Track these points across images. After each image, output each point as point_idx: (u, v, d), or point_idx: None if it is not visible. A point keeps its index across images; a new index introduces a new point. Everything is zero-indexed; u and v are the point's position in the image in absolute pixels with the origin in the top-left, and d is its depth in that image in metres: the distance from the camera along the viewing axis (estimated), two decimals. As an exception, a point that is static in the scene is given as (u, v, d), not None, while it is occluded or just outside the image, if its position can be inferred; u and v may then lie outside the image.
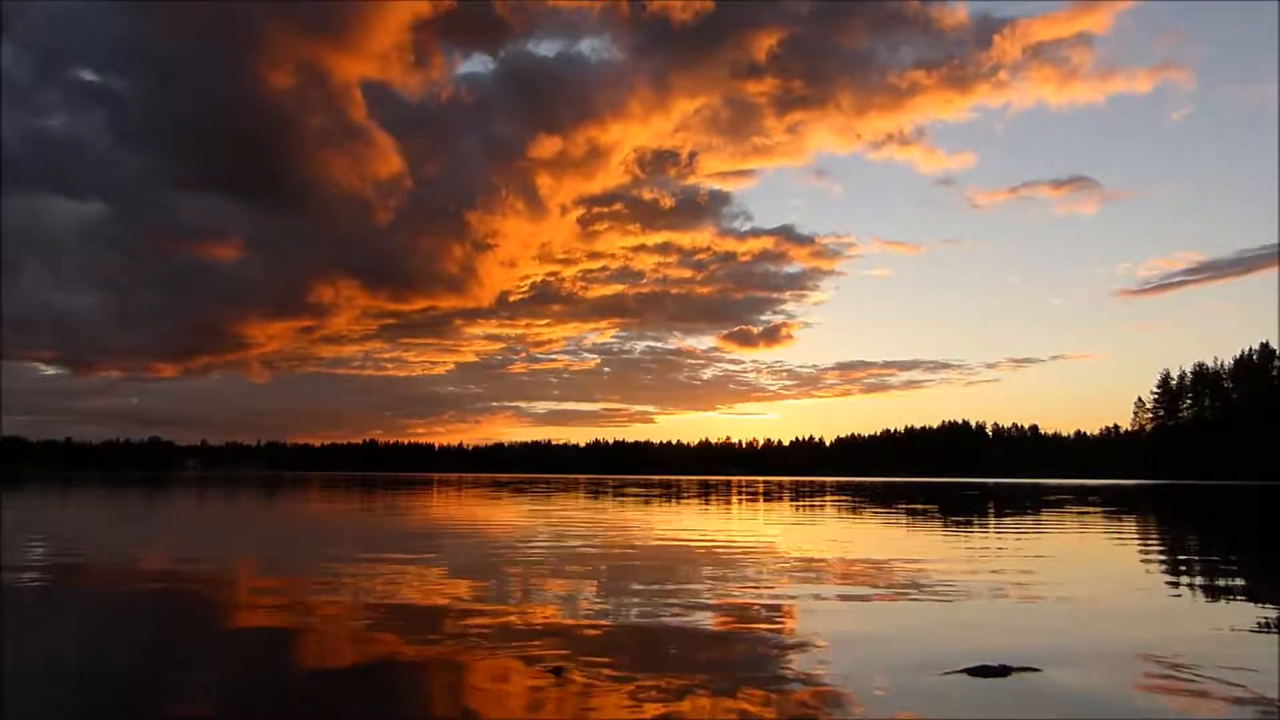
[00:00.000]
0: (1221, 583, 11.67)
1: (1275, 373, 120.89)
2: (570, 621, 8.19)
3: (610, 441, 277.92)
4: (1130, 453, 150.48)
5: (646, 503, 37.76)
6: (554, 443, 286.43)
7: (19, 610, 8.88)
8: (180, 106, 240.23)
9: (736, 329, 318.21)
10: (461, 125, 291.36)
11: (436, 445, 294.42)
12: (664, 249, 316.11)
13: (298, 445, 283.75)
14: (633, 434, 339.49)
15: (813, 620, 8.39)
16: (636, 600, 9.57)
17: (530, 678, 6.04)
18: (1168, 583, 11.67)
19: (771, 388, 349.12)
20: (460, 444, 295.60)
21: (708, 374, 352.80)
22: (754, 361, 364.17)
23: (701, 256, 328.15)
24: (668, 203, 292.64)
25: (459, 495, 47.68)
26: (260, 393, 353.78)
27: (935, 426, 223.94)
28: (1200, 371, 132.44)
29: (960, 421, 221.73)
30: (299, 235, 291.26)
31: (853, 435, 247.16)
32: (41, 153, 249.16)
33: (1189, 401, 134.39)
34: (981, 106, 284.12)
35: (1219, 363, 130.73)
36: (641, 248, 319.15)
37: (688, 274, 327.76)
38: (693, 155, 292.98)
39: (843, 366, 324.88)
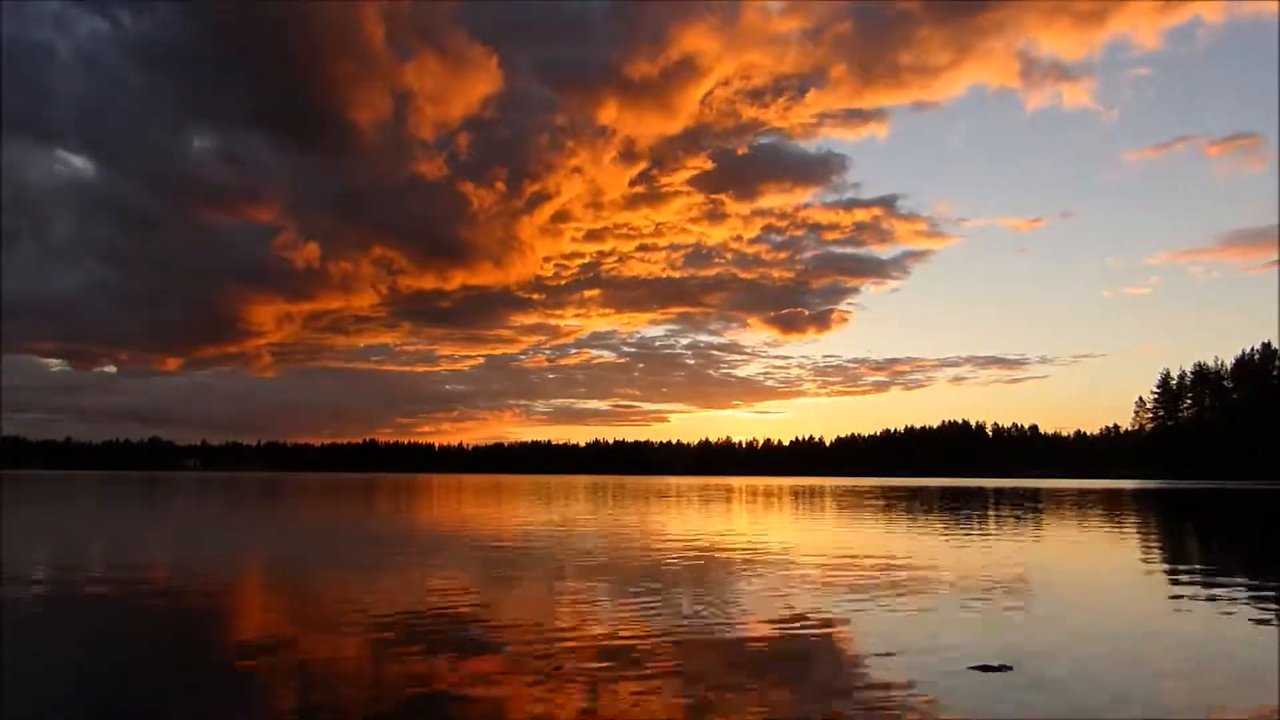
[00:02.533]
0: (1221, 585, 11.74)
1: (1275, 373, 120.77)
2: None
3: (610, 441, 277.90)
4: (1130, 452, 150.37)
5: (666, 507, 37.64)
6: (554, 443, 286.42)
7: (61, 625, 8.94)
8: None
9: (787, 311, 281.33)
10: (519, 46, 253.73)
11: (437, 445, 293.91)
12: (746, 218, 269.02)
13: (298, 445, 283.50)
14: (643, 434, 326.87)
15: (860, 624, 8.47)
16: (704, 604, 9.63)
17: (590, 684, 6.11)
18: (1169, 585, 11.73)
19: (807, 385, 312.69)
20: (460, 444, 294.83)
21: (744, 371, 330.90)
22: (803, 358, 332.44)
23: (793, 231, 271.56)
24: (755, 155, 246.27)
25: (495, 500, 47.40)
26: (264, 390, 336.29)
27: (935, 426, 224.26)
28: (1200, 371, 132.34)
29: (960, 421, 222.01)
30: (330, 187, 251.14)
31: (852, 436, 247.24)
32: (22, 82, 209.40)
33: (1189, 401, 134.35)
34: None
35: (1219, 363, 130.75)
36: (714, 214, 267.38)
37: (765, 252, 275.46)
38: (804, 85, 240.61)
39: (890, 362, 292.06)
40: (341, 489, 58.08)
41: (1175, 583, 11.75)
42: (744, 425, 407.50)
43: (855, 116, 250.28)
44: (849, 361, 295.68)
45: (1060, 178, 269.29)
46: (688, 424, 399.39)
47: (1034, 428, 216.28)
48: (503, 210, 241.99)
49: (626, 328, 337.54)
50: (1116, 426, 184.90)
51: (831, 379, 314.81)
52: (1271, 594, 10.78)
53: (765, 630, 7.93)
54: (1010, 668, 6.39)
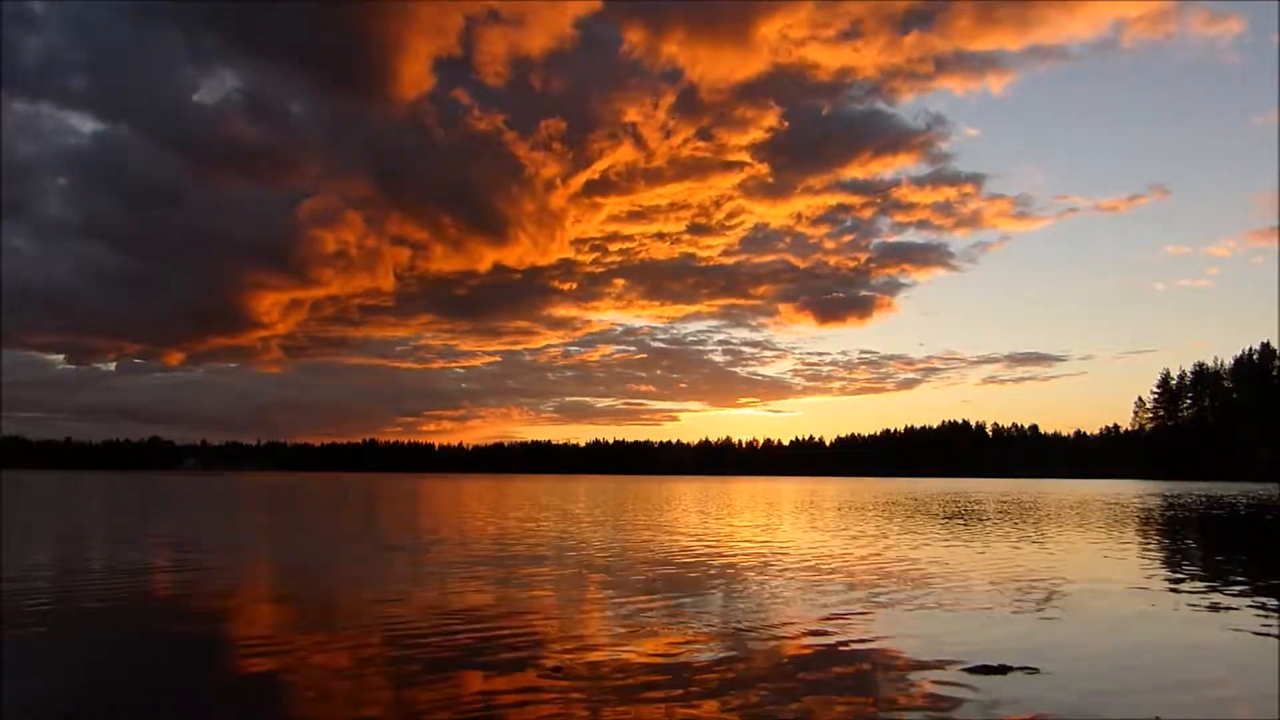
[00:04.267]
0: (1221, 586, 11.74)
1: (1275, 373, 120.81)
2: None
3: (610, 441, 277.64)
4: (1129, 452, 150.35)
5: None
6: (554, 443, 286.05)
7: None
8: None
9: (828, 298, 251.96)
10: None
11: (436, 445, 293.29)
12: (816, 193, 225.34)
13: (298, 445, 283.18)
14: (653, 433, 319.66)
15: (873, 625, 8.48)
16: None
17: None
18: (1169, 587, 11.75)
19: (837, 382, 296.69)
20: (460, 444, 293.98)
21: (772, 369, 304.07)
22: (840, 353, 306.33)
23: (862, 211, 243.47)
24: (837, 115, 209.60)
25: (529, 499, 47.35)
26: (267, 388, 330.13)
27: (935, 426, 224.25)
28: (1200, 371, 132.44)
29: (960, 421, 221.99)
30: (369, 144, 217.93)
31: (852, 435, 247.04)
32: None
33: (1189, 401, 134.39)
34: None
35: (1219, 363, 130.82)
36: (778, 187, 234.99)
37: (826, 236, 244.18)
38: (906, 25, 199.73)
39: (929, 358, 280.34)
40: (303, 496, 57.99)
41: (1199, 590, 11.75)
42: (757, 424, 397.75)
43: (961, 64, 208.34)
44: (885, 357, 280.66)
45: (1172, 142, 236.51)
46: (697, 423, 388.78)
47: (1034, 427, 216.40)
48: (551, 176, 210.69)
49: (659, 321, 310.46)
50: (1116, 426, 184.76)
51: (860, 376, 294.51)
52: (1270, 599, 10.77)
53: (806, 638, 7.94)
54: (1008, 668, 6.41)
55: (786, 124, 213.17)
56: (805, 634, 7.77)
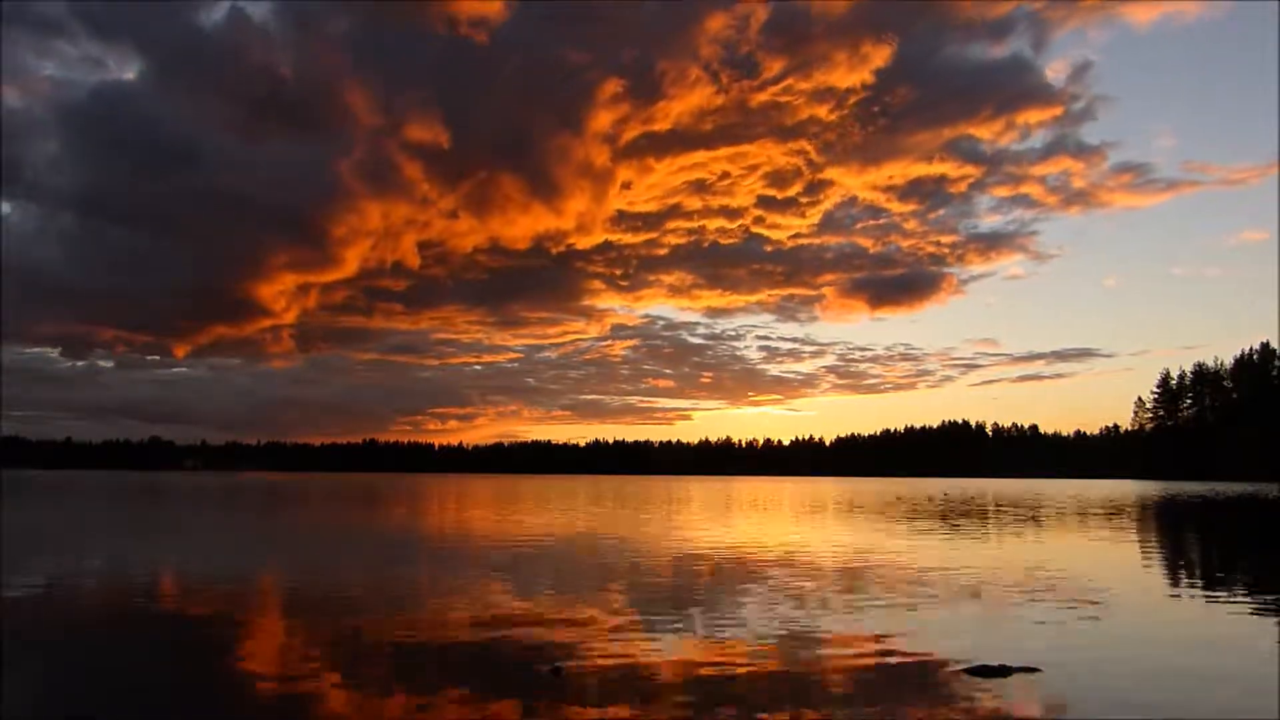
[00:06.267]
0: (1221, 586, 11.74)
1: (1275, 373, 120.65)
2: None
3: (610, 441, 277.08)
4: (1129, 453, 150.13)
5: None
6: (554, 443, 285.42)
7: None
8: None
9: (881, 276, 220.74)
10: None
11: (436, 445, 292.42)
12: (910, 160, 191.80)
13: (298, 445, 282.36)
14: (663, 433, 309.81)
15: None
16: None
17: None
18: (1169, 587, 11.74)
19: (870, 380, 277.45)
20: (460, 444, 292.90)
21: (807, 365, 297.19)
22: (884, 349, 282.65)
23: (957, 185, 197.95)
24: (953, 59, 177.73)
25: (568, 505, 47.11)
26: (269, 386, 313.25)
27: (935, 426, 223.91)
28: (1200, 371, 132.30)
29: (960, 421, 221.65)
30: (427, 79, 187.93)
31: (852, 435, 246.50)
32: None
33: (1189, 401, 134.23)
34: None
35: (1219, 363, 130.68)
36: (868, 149, 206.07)
37: (910, 215, 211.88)
38: None
39: (977, 355, 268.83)
40: (278, 496, 57.86)
41: (1199, 590, 11.74)
42: (771, 422, 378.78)
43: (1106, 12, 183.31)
44: (929, 353, 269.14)
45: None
46: (710, 421, 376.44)
47: (1034, 427, 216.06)
48: (607, 122, 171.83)
49: (699, 314, 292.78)
50: (1116, 426, 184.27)
51: (893, 374, 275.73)
52: (1269, 600, 10.76)
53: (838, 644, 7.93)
54: (1009, 669, 6.40)
55: (897, 62, 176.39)
56: (805, 634, 7.78)
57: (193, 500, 38.88)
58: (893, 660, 6.78)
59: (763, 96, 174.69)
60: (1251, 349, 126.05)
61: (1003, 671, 6.36)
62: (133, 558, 14.31)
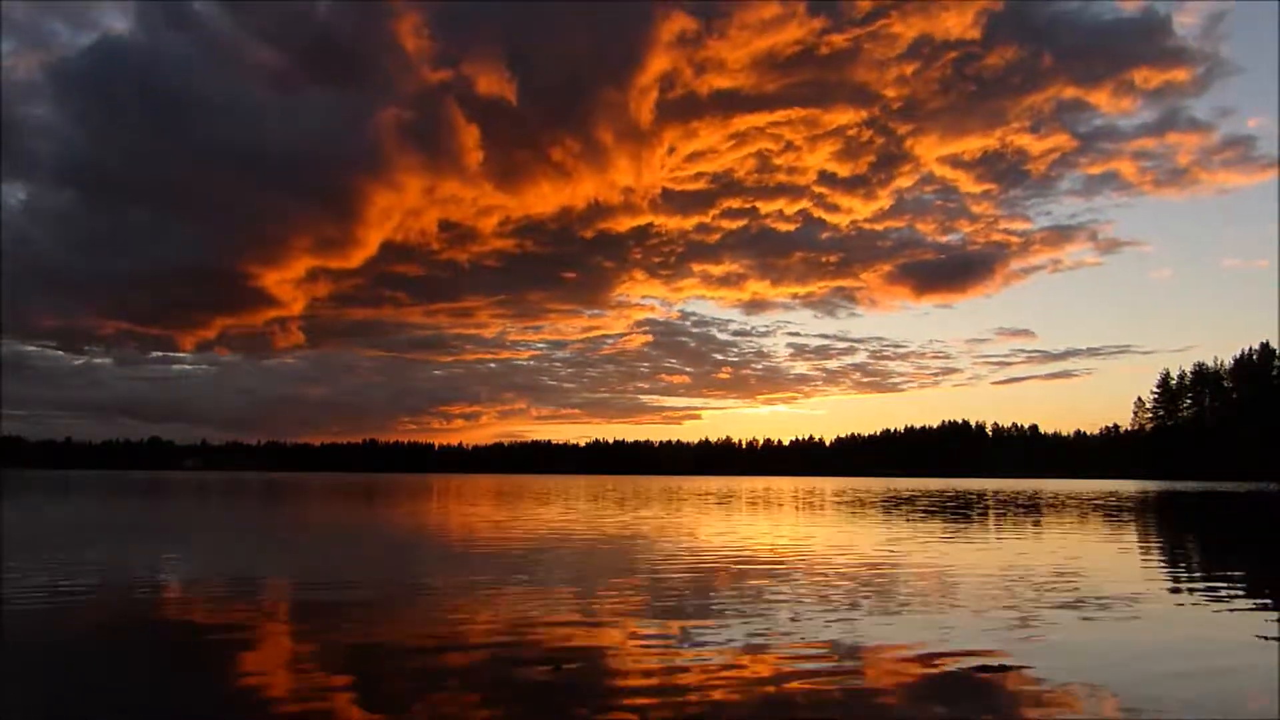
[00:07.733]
0: (1221, 585, 11.71)
1: (1275, 373, 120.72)
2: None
3: (610, 441, 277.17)
4: (1129, 453, 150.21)
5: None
6: (553, 442, 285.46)
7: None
8: None
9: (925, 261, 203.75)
10: None
11: (436, 445, 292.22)
12: (995, 134, 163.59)
13: (298, 445, 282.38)
14: (669, 432, 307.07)
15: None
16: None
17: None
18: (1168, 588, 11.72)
19: (895, 379, 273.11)
20: (460, 444, 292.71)
21: (836, 362, 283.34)
22: (920, 347, 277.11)
23: (1039, 163, 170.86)
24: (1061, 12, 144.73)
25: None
26: (271, 385, 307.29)
27: (935, 426, 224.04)
28: (1200, 371, 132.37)
29: (960, 421, 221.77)
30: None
31: (852, 435, 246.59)
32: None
33: (1189, 401, 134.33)
34: None
35: (1219, 363, 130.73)
36: (951, 116, 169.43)
37: (984, 198, 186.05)
38: None
39: (1016, 352, 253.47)
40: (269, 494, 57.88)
41: (1199, 588, 11.72)
42: (780, 421, 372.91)
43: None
44: (961, 351, 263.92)
45: None
46: (720, 421, 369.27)
47: (1034, 427, 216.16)
48: (665, 66, 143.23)
49: (732, 307, 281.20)
50: (1116, 426, 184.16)
51: (923, 373, 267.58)
52: (1269, 600, 10.73)
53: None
54: (1007, 668, 6.36)
55: (1003, 5, 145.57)
56: (804, 634, 7.74)
57: (194, 498, 38.87)
58: (889, 658, 6.73)
59: (842, 40, 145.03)
60: (1251, 349, 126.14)
61: (1000, 670, 6.32)
62: (132, 558, 14.26)
